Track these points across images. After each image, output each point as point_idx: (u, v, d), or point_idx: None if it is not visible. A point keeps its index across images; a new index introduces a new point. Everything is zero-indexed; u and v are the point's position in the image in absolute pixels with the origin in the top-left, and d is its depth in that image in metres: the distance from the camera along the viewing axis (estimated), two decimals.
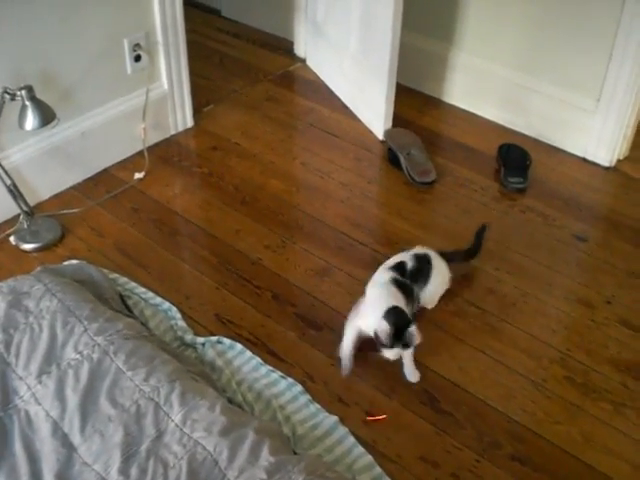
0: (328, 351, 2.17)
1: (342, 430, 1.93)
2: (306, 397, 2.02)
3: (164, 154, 3.06)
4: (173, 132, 3.20)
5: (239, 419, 1.71)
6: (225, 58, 3.88)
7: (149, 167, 2.95)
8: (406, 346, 1.99)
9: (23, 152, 2.66)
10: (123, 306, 2.19)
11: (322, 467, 1.65)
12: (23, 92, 2.32)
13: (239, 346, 2.15)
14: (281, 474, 1.56)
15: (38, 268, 2.19)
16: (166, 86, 3.08)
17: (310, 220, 2.72)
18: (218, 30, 4.17)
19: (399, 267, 2.21)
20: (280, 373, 2.07)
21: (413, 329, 1.96)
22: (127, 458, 1.62)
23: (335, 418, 1.96)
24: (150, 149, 3.03)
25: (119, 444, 1.64)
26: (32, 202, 2.64)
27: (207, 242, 2.61)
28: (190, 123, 3.26)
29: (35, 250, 2.54)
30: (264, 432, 1.68)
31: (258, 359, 2.12)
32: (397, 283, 2.14)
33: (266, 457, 1.60)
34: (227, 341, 2.16)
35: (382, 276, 2.19)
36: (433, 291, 2.29)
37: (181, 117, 3.20)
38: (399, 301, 2.07)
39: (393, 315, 1.98)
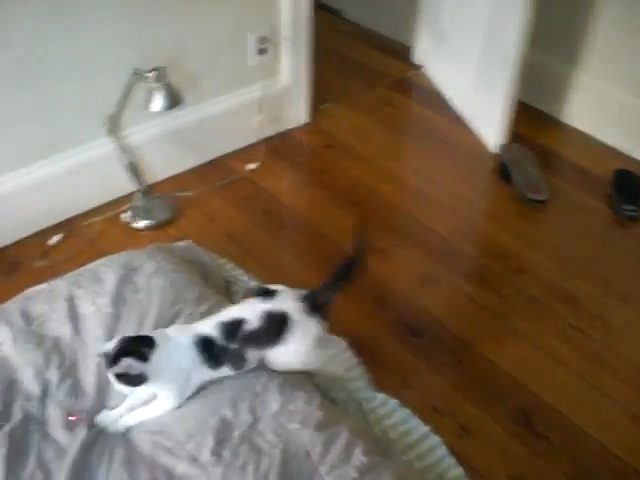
0: (427, 359, 2.16)
1: (435, 439, 1.91)
2: (398, 402, 2.01)
3: (278, 148, 3.10)
4: (289, 127, 3.23)
5: (334, 416, 1.71)
6: (343, 59, 3.90)
7: (263, 159, 2.99)
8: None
9: (145, 132, 2.73)
10: (226, 292, 2.21)
11: (412, 473, 1.65)
12: (153, 74, 2.38)
13: (339, 346, 2.14)
14: (372, 476, 1.55)
15: (151, 245, 2.23)
16: (286, 81, 3.12)
17: (418, 227, 2.71)
18: (338, 30, 4.19)
19: (231, 325, 1.67)
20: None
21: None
22: (220, 441, 1.63)
23: (428, 427, 1.94)
24: (265, 141, 3.08)
25: (213, 427, 1.66)
26: (148, 181, 2.71)
27: (314, 239, 2.64)
28: (306, 119, 3.29)
29: (147, 228, 2.61)
30: (358, 432, 1.68)
31: (355, 360, 2.12)
32: (204, 348, 1.64)
33: (359, 457, 1.59)
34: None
35: (190, 332, 1.66)
36: (284, 359, 1.75)
37: (298, 113, 3.24)
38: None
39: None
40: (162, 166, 2.83)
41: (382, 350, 2.18)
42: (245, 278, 2.34)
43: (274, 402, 1.69)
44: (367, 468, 1.57)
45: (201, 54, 2.80)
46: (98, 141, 2.62)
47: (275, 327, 1.69)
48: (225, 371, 1.70)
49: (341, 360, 2.09)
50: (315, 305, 1.76)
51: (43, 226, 2.67)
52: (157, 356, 1.58)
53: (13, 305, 1.86)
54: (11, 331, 1.76)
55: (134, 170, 2.59)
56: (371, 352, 2.18)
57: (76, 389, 1.73)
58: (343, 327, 2.23)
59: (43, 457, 1.56)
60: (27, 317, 1.81)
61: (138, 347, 1.58)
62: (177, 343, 1.64)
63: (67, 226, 2.64)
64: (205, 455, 1.61)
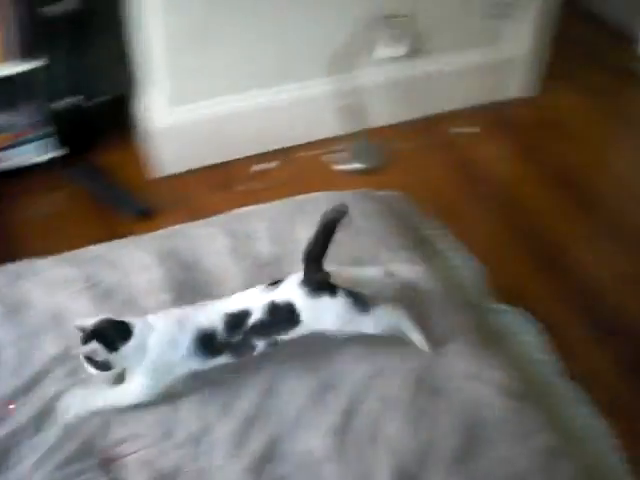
0: (617, 360, 2.08)
1: (612, 441, 1.84)
2: (585, 395, 1.94)
3: (497, 115, 3.05)
4: (510, 96, 3.16)
5: (526, 391, 1.68)
6: (572, 40, 3.73)
7: (480, 124, 2.95)
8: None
9: (371, 77, 2.74)
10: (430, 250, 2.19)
11: (592, 469, 1.60)
12: (398, 21, 2.38)
13: (531, 326, 2.09)
14: (549, 461, 1.52)
15: (360, 190, 2.23)
16: (516, 50, 3.06)
17: (628, 222, 2.61)
18: (566, 12, 4.02)
19: (237, 317, 1.53)
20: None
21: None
22: (416, 390, 1.61)
23: (605, 424, 1.87)
24: (485, 107, 3.03)
25: (414, 372, 1.64)
26: (365, 126, 2.71)
27: (517, 215, 2.60)
28: (530, 92, 3.20)
29: (354, 172, 2.62)
30: (542, 417, 1.64)
31: (547, 343, 2.06)
32: (204, 343, 1.51)
33: (539, 441, 1.56)
34: (519, 316, 2.11)
35: (188, 325, 1.51)
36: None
37: (523, 84, 3.17)
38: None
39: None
40: (381, 113, 2.84)
41: (569, 339, 2.10)
42: (447, 239, 2.31)
43: (463, 363, 1.66)
44: (542, 452, 1.54)
45: (435, 11, 2.76)
46: (320, 79, 2.66)
47: (283, 316, 1.53)
48: (222, 360, 1.55)
49: (532, 339, 2.05)
50: (319, 284, 1.56)
51: (253, 152, 2.74)
52: (130, 347, 1.48)
53: (227, 218, 1.92)
54: (228, 241, 1.81)
55: (352, 113, 2.60)
56: (557, 338, 2.11)
57: None
58: (538, 310, 2.19)
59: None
60: (241, 232, 1.86)
61: (113, 334, 1.47)
62: (166, 336, 1.51)
63: (276, 156, 2.70)
64: (395, 394, 1.59)
